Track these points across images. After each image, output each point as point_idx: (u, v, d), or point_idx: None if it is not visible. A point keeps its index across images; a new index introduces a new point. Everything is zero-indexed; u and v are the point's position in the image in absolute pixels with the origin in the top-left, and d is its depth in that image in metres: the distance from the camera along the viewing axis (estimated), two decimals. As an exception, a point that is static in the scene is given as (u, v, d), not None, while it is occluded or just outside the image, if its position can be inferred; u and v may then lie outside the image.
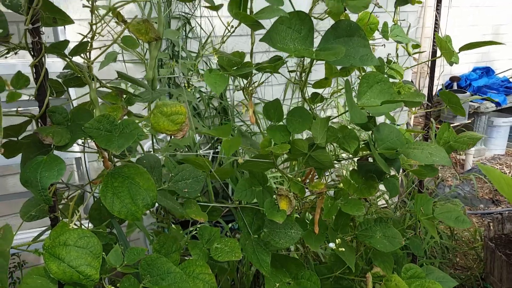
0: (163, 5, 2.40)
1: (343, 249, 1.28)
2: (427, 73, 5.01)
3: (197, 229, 1.29)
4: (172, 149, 1.88)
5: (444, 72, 5.20)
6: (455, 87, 4.85)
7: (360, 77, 1.25)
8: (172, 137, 1.02)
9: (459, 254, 3.28)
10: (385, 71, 1.37)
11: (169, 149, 1.84)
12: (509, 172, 4.77)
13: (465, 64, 5.32)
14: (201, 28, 2.66)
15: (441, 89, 4.85)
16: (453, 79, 4.87)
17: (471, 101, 4.82)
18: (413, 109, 1.56)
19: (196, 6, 2.59)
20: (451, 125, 5.01)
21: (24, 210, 1.20)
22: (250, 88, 1.14)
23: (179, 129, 0.98)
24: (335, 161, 1.39)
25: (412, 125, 4.44)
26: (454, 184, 4.29)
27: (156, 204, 1.23)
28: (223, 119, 2.84)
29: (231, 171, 1.37)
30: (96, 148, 1.06)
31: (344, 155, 1.43)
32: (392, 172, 1.35)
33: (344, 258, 1.31)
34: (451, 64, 1.47)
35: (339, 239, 1.29)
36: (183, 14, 2.60)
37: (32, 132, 0.95)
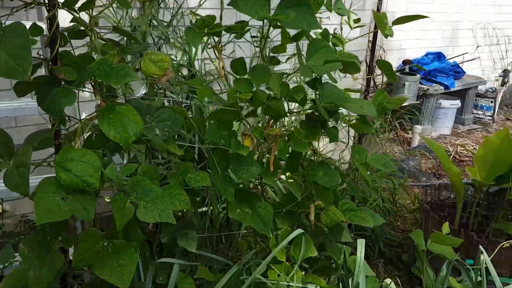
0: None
1: (291, 181, 1.58)
2: (383, 50, 5.33)
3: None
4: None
5: (401, 57, 5.60)
6: (407, 69, 5.24)
7: (308, 44, 1.54)
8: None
9: (399, 218, 3.67)
10: (330, 40, 1.67)
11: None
12: (453, 150, 5.23)
13: (420, 49, 5.71)
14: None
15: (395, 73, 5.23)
16: (405, 62, 5.25)
17: (420, 84, 5.22)
18: (355, 75, 1.86)
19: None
20: (402, 104, 5.41)
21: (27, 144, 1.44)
22: (220, 45, 1.40)
23: (164, 74, 1.24)
24: (288, 113, 1.68)
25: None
26: (400, 159, 4.69)
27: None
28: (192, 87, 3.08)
29: (204, 120, 1.64)
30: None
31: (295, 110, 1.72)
32: (333, 124, 1.66)
33: (293, 190, 1.61)
34: (386, 36, 1.78)
35: (289, 174, 1.59)
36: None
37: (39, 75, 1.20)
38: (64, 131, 1.36)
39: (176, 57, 3.01)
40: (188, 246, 1.46)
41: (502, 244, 2.17)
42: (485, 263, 1.49)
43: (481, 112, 6.03)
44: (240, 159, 1.57)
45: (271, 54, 1.68)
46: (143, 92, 2.22)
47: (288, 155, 1.68)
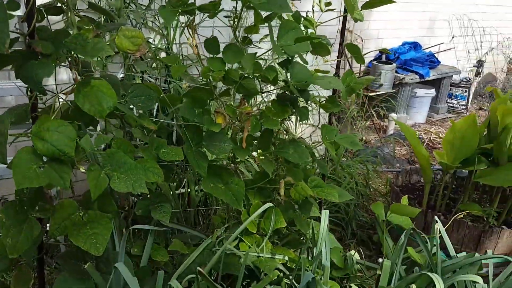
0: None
1: (263, 157, 1.65)
2: (361, 39, 5.39)
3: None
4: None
5: (378, 46, 5.68)
6: (383, 58, 5.34)
7: (280, 25, 1.60)
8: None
9: (372, 201, 3.79)
10: (301, 22, 1.73)
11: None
12: (426, 137, 5.37)
13: (397, 39, 5.81)
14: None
15: (371, 61, 5.33)
16: (382, 51, 5.33)
17: (397, 73, 5.33)
18: (326, 57, 1.93)
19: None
20: (377, 93, 5.54)
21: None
22: (194, 24, 1.46)
23: (137, 49, 1.29)
24: (261, 92, 1.75)
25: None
26: (375, 146, 4.80)
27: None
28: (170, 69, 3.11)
29: (178, 98, 1.69)
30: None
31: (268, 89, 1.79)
32: (303, 104, 1.73)
33: (264, 166, 1.68)
34: (355, 20, 1.85)
35: (260, 151, 1.66)
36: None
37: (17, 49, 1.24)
38: (42, 105, 1.41)
39: (154, 41, 3.04)
40: (161, 218, 1.52)
41: (456, 215, 2.29)
42: (439, 232, 1.59)
43: (456, 102, 6.19)
44: (213, 136, 1.64)
45: (244, 35, 1.74)
46: (121, 75, 2.26)
47: (260, 133, 1.76)
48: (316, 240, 1.72)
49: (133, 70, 2.86)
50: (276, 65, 1.72)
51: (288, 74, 1.69)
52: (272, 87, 1.78)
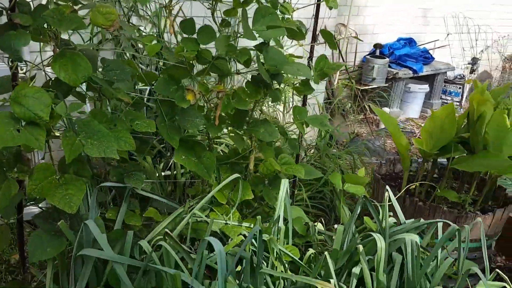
0: None
1: (233, 134, 1.76)
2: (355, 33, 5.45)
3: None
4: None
5: (373, 41, 5.76)
6: (377, 53, 5.42)
7: (256, 10, 1.71)
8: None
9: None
10: (277, 8, 1.83)
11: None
12: (418, 131, 5.45)
13: (392, 35, 5.89)
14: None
15: (365, 56, 5.41)
16: (376, 46, 5.43)
17: (390, 68, 5.42)
18: (300, 42, 2.02)
19: None
20: (370, 87, 5.64)
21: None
22: (170, 5, 1.57)
23: (111, 25, 1.40)
24: (236, 73, 1.85)
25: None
26: (366, 138, 4.90)
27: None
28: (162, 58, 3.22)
29: (155, 75, 1.80)
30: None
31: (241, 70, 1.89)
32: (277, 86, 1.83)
33: (235, 142, 1.79)
34: (330, 8, 1.94)
35: (231, 128, 1.76)
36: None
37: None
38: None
39: (146, 29, 3.15)
40: (134, 184, 1.63)
41: (411, 185, 2.39)
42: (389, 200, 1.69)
43: (450, 98, 6.26)
44: (187, 112, 1.74)
45: (223, 17, 1.84)
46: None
47: (234, 112, 1.86)
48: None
49: (125, 56, 2.97)
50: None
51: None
52: (247, 69, 1.89)
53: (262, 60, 1.79)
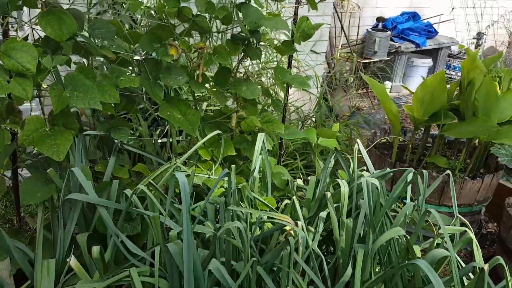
0: None
1: (215, 90, 1.84)
2: (358, 7, 5.44)
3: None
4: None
5: (376, 14, 5.76)
6: (380, 26, 5.43)
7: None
8: None
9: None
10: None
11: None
12: (420, 106, 5.45)
13: (396, 9, 5.88)
14: None
15: (367, 29, 5.42)
16: (378, 19, 5.44)
17: (392, 41, 5.42)
18: (282, 3, 2.09)
19: None
20: (372, 60, 5.63)
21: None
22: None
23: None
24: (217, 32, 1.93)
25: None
26: (366, 111, 4.95)
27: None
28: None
29: (139, 34, 1.88)
30: None
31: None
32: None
33: (217, 98, 1.88)
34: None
35: (213, 83, 1.85)
36: None
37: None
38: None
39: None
40: (120, 138, 1.73)
41: (380, 139, 2.44)
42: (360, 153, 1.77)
43: (454, 73, 6.24)
44: (170, 69, 1.83)
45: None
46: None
47: (217, 71, 1.95)
48: (264, 170, 1.91)
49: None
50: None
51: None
52: (228, 26, 1.96)
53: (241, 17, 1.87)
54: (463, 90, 2.96)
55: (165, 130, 2.99)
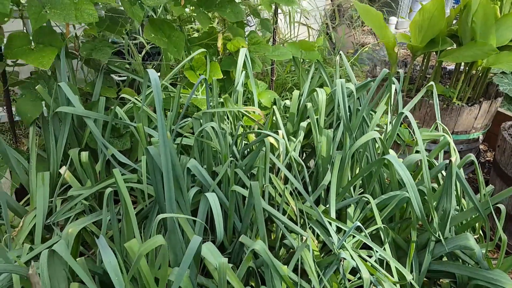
0: None
1: (198, 12, 1.84)
2: None
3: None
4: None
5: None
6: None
7: None
8: None
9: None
10: None
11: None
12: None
13: None
14: None
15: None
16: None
17: (398, -25, 5.25)
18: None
19: None
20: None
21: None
22: None
23: None
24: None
25: None
26: (370, 48, 4.87)
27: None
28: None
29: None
30: None
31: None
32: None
33: (199, 20, 1.88)
34: None
35: (193, 7, 1.85)
36: None
37: None
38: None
39: None
40: (101, 58, 1.76)
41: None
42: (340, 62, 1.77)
43: (464, 8, 6.05)
44: (152, -10, 1.83)
45: None
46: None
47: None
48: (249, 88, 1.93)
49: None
50: None
51: None
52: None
53: None
54: (461, 14, 2.89)
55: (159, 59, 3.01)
